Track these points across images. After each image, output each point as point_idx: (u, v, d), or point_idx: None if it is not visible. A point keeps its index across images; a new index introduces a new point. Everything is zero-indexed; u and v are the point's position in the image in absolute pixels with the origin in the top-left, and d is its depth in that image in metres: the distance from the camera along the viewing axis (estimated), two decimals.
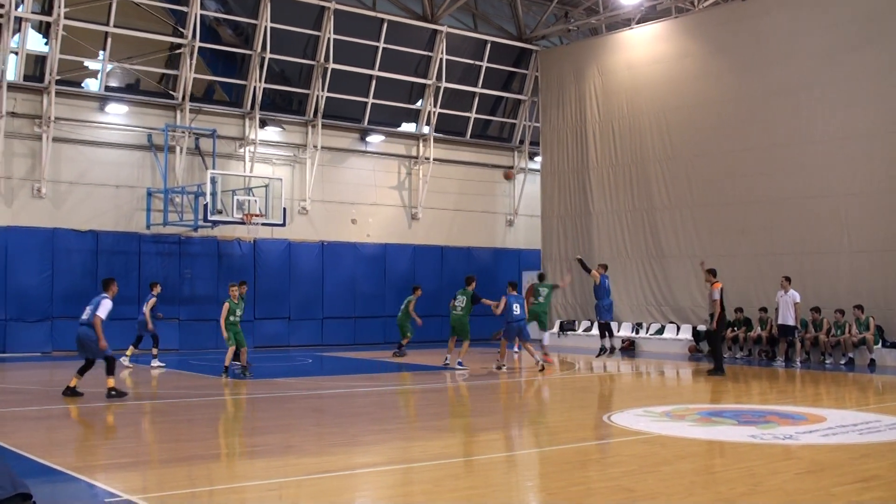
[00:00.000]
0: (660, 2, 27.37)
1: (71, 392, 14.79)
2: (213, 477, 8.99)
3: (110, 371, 14.87)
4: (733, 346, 24.53)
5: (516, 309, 20.20)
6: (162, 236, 26.14)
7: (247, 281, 21.31)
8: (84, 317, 15.00)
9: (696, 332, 25.70)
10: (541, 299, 22.68)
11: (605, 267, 24.36)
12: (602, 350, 24.12)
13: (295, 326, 28.12)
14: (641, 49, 28.23)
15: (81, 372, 15.00)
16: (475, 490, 8.25)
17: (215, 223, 25.34)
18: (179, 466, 9.40)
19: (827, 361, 22.39)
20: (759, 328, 24.01)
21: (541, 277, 24.06)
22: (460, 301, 20.92)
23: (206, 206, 24.46)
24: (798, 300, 21.84)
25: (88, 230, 25.04)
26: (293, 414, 13.66)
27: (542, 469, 9.71)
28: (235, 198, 25.08)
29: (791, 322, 21.92)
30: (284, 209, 26.00)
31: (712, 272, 19.87)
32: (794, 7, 24.57)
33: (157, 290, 21.58)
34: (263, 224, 25.57)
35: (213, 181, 24.67)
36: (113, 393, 14.61)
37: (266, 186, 25.74)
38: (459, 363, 20.77)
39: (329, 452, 10.22)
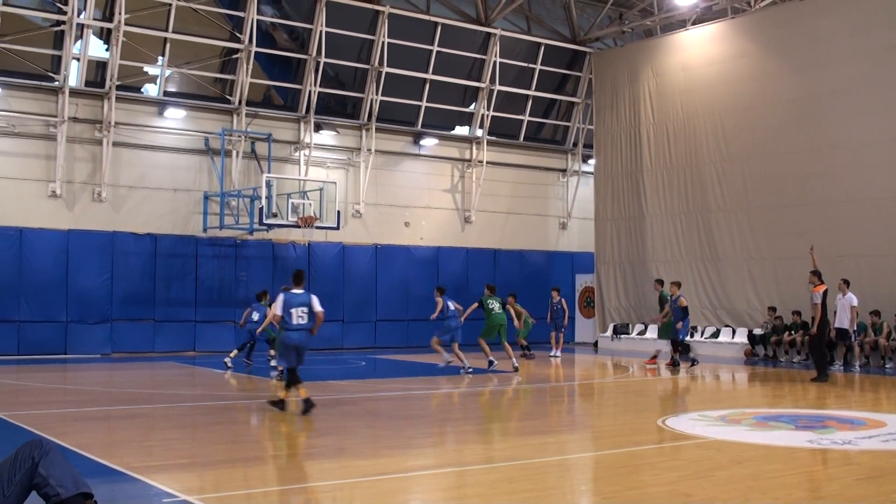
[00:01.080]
0: (715, 2, 27.12)
1: (281, 405, 13.33)
2: (268, 478, 9.08)
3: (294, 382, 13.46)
4: (790, 349, 24.24)
5: (451, 306, 20.87)
6: (218, 239, 26.45)
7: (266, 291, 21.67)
8: (301, 322, 13.21)
9: (751, 336, 25.43)
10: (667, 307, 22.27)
11: (679, 284, 22.64)
12: (694, 361, 22.08)
13: (349, 329, 28.27)
14: (697, 50, 27.98)
15: (292, 383, 13.40)
16: (530, 493, 8.24)
17: (270, 226, 25.58)
18: (235, 467, 9.50)
19: (887, 366, 22.02)
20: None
21: (662, 283, 23.51)
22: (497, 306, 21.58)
23: (261, 209, 24.71)
24: (855, 303, 21.45)
25: (147, 233, 25.41)
26: (347, 416, 13.74)
27: (597, 473, 9.67)
28: (290, 201, 25.29)
29: (846, 326, 21.54)
30: (338, 212, 26.16)
31: (817, 274, 19.11)
32: (852, 7, 24.19)
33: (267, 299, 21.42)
34: (318, 227, 25.76)
35: (269, 185, 24.93)
36: (281, 401, 13.40)
37: (320, 190, 25.93)
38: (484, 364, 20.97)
39: (383, 455, 10.27)
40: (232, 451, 10.52)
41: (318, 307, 13.27)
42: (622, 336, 29.18)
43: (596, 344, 30.09)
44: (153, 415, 13.84)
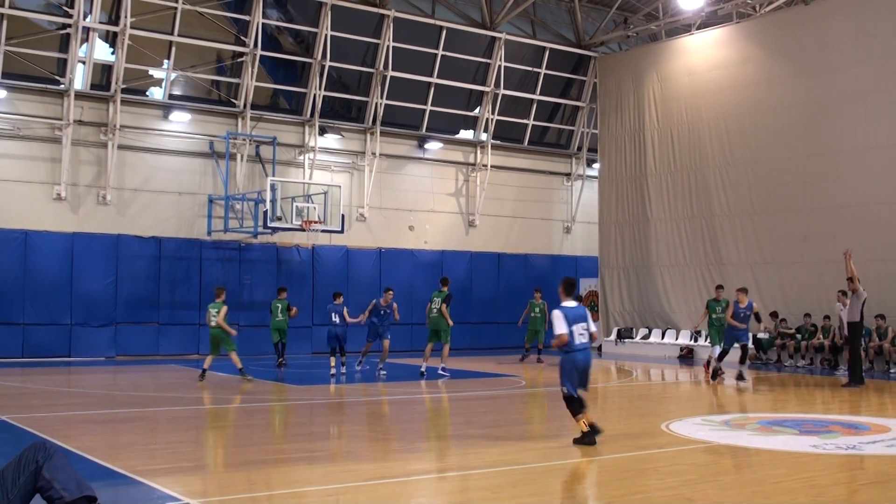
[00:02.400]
0: (721, 7, 27.11)
1: (594, 433, 11.11)
2: (271, 482, 9.08)
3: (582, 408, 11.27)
4: (795, 354, 24.21)
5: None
6: (222, 243, 26.47)
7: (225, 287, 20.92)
8: (583, 340, 11.12)
9: (756, 340, 25.37)
10: (715, 315, 21.12)
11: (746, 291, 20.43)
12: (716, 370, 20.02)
13: (352, 332, 28.13)
14: (701, 55, 27.96)
15: (581, 409, 11.19)
16: (533, 498, 8.24)
17: (275, 230, 25.59)
18: (239, 471, 9.51)
19: (892, 370, 21.96)
20: (821, 336, 23.64)
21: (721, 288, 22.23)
22: (436, 304, 20.21)
23: (265, 212, 24.72)
24: None
25: (151, 236, 25.44)
26: (351, 420, 13.74)
27: (601, 477, 9.66)
28: (294, 205, 25.31)
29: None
30: (343, 216, 26.17)
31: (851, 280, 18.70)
32: (858, 11, 24.15)
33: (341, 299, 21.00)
34: (322, 231, 25.76)
35: (273, 188, 24.92)
36: (588, 433, 11.09)
37: (325, 193, 25.93)
38: (444, 368, 20.24)
39: (387, 458, 10.27)
40: (235, 455, 10.52)
41: (594, 326, 11.44)
42: (626, 340, 29.13)
43: (600, 348, 30.05)
44: (157, 418, 13.85)
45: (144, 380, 19.61)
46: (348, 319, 20.59)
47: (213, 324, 18.90)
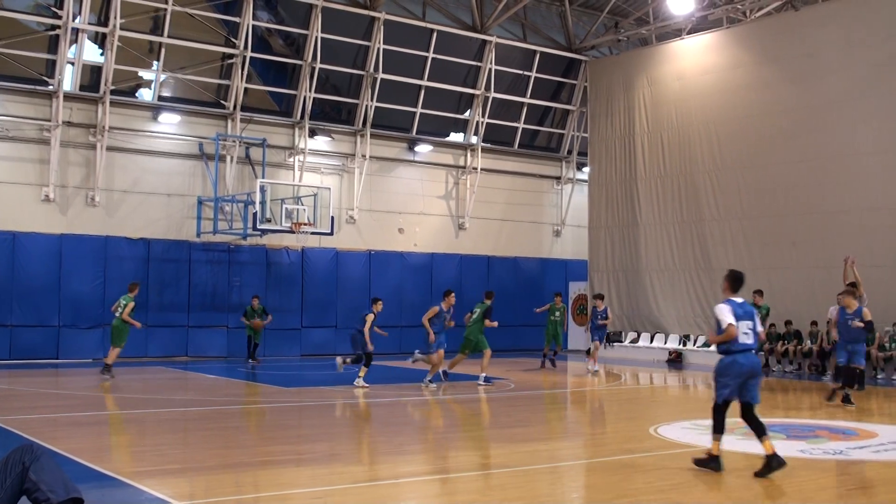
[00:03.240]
0: (711, 12, 27.16)
1: (716, 463, 9.55)
2: (259, 484, 9.06)
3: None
4: (783, 359, 24.26)
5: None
6: (212, 244, 26.41)
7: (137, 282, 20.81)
8: (747, 341, 9.65)
9: None
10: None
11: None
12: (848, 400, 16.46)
13: (342, 335, 28.09)
14: (692, 59, 28.02)
15: (722, 428, 9.84)
16: (521, 500, 8.24)
17: (264, 232, 25.52)
18: (227, 473, 9.49)
19: (879, 376, 22.03)
20: (808, 342, 23.69)
21: (760, 293, 21.53)
22: (476, 314, 19.84)
23: (255, 214, 24.66)
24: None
25: (140, 238, 25.36)
26: (339, 422, 13.72)
27: (589, 480, 9.67)
28: (284, 207, 25.26)
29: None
30: (332, 218, 26.10)
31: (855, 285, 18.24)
32: (847, 18, 24.22)
33: (380, 307, 19.55)
34: (311, 233, 25.72)
35: (263, 190, 24.84)
36: (715, 458, 9.62)
37: (314, 195, 25.88)
38: (486, 378, 19.40)
39: (375, 461, 10.25)
40: (223, 457, 10.50)
41: (760, 326, 9.98)
42: (615, 344, 29.14)
43: (589, 351, 30.04)
44: (144, 420, 13.81)
45: (132, 382, 19.55)
46: (366, 331, 18.91)
47: (118, 315, 19.26)
